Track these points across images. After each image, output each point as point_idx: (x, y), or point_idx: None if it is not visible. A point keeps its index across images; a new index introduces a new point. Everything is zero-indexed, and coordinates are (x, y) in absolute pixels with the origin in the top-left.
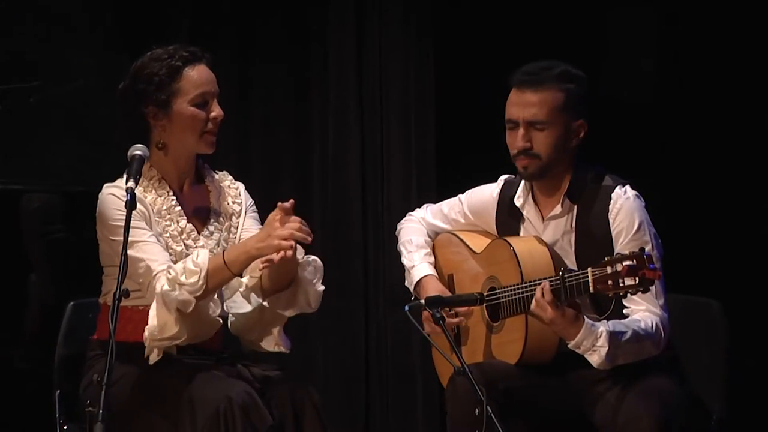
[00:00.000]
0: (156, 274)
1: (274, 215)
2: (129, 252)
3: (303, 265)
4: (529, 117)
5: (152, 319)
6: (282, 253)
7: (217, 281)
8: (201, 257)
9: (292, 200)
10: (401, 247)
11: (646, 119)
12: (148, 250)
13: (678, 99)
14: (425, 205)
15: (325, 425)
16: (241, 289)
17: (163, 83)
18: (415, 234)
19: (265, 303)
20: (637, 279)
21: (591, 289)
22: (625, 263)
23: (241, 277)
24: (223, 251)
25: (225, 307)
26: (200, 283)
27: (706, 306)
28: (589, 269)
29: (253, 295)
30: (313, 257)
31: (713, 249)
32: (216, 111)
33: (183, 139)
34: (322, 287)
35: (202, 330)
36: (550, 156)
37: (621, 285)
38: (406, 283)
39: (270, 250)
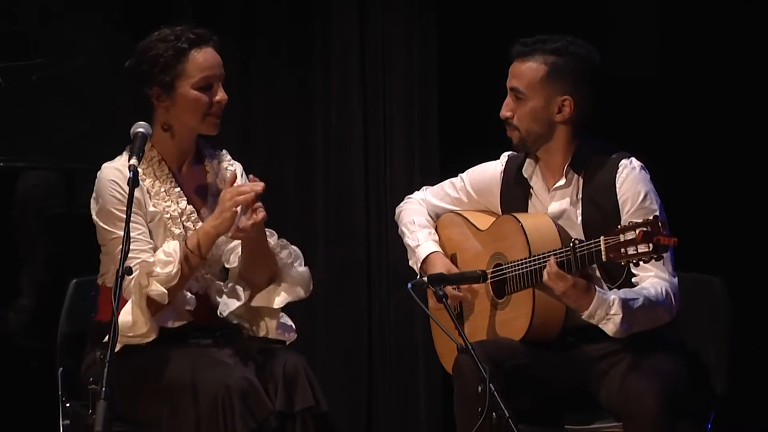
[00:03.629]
0: (134, 273)
1: (223, 192)
2: (116, 246)
3: (275, 250)
4: (511, 86)
5: (124, 315)
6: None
7: (188, 268)
8: (171, 246)
9: (233, 172)
10: (403, 228)
11: (649, 95)
12: (134, 249)
13: (682, 74)
14: (424, 187)
15: (317, 395)
16: (225, 290)
17: (168, 65)
18: (417, 214)
19: (252, 303)
20: (651, 245)
21: (603, 257)
22: (639, 230)
23: (224, 279)
24: (185, 240)
25: (219, 313)
26: (175, 270)
27: (709, 283)
28: (602, 238)
29: (238, 289)
30: (284, 240)
31: (716, 226)
32: (220, 95)
33: (186, 121)
34: (305, 268)
35: (172, 317)
36: (526, 129)
37: (635, 252)
38: (410, 263)
39: (225, 223)
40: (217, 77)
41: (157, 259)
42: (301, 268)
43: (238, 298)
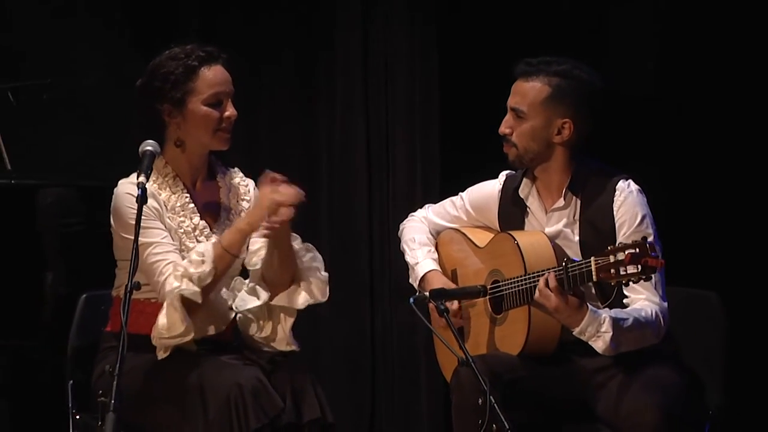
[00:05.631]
0: (166, 276)
1: (262, 189)
2: (143, 254)
3: (299, 253)
4: (513, 104)
5: (161, 317)
6: (274, 219)
7: (222, 267)
8: (203, 247)
9: (272, 174)
10: (404, 246)
11: (647, 113)
12: (160, 252)
13: (679, 93)
14: (427, 205)
15: (324, 410)
16: (246, 288)
17: (179, 82)
18: (418, 232)
19: (273, 302)
20: (639, 267)
21: (594, 277)
22: (627, 251)
23: (245, 278)
24: (220, 239)
25: (234, 306)
26: (209, 269)
27: (705, 298)
28: (592, 258)
29: (259, 289)
30: (309, 244)
31: (712, 242)
32: (229, 111)
33: (197, 137)
34: (326, 274)
35: (213, 323)
36: (524, 147)
37: (624, 273)
38: (410, 281)
39: (259, 221)
40: (227, 93)
41: (189, 259)
42: (322, 274)
43: (258, 297)
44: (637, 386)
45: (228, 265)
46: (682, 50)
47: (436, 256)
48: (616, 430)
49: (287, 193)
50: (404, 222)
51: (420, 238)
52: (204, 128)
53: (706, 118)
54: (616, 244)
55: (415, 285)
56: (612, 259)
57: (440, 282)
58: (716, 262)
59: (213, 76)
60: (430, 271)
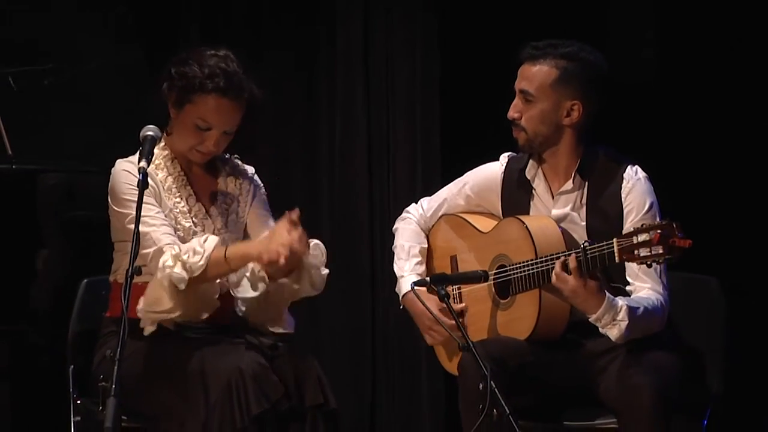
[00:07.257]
0: (163, 248)
1: (281, 225)
2: (130, 229)
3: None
4: (521, 87)
5: (148, 290)
6: (274, 257)
7: (215, 272)
8: (209, 242)
9: (298, 211)
10: (394, 251)
11: (646, 100)
12: (154, 224)
13: (679, 80)
14: (422, 199)
15: (327, 395)
16: (248, 274)
17: (188, 89)
18: (409, 239)
19: (269, 289)
20: (666, 248)
21: (617, 259)
22: (654, 232)
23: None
24: (226, 247)
25: (232, 292)
26: (201, 263)
27: (705, 283)
28: (615, 240)
29: (259, 283)
30: (317, 241)
31: (713, 227)
32: (209, 142)
33: (177, 139)
34: (326, 270)
35: (198, 308)
36: (534, 130)
37: (648, 254)
38: (395, 290)
39: (267, 256)
40: (219, 127)
41: (191, 246)
42: (323, 271)
43: (255, 289)
44: (634, 368)
45: (221, 273)
46: (681, 38)
47: (422, 269)
48: (616, 413)
49: (300, 240)
50: (398, 221)
51: (410, 247)
52: (183, 138)
53: (706, 105)
54: (641, 225)
55: (400, 296)
56: (635, 240)
57: (419, 305)
58: (716, 247)
59: (214, 107)
60: (410, 291)
